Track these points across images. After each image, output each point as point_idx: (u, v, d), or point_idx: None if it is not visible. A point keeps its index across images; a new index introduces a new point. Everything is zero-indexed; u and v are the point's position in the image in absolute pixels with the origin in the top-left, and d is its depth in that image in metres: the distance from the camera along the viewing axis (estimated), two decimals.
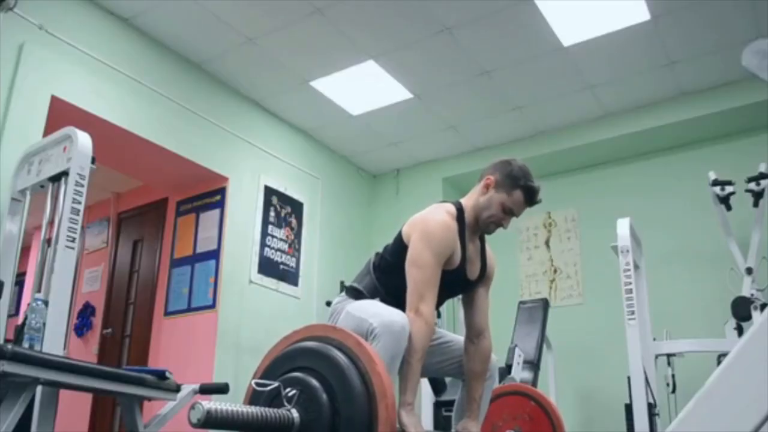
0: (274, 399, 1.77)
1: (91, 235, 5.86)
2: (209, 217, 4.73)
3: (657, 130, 4.97)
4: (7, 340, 2.74)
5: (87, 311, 5.61)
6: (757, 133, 4.67)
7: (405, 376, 2.04)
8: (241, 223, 4.75)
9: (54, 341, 2.52)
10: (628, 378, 3.57)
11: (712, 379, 1.04)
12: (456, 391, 2.47)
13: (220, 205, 4.70)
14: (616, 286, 3.77)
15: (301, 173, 5.40)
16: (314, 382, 1.75)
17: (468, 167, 5.53)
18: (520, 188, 2.25)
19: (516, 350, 4.07)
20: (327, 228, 5.52)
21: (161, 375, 2.61)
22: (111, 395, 3.93)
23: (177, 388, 2.71)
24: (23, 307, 2.60)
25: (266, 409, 1.70)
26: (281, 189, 5.14)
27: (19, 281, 4.51)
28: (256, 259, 4.79)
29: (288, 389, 1.75)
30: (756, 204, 4.21)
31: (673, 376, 4.05)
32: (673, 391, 4.00)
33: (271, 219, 5.01)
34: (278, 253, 5.00)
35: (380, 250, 2.39)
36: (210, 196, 4.77)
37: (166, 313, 4.76)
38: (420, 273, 2.13)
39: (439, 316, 4.66)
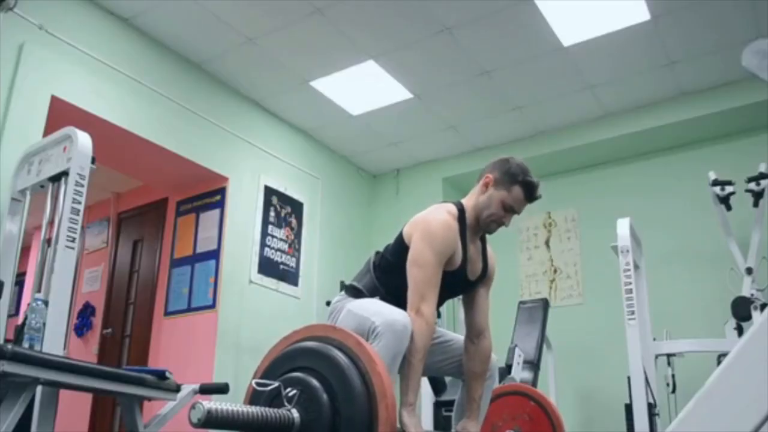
0: (274, 399, 1.77)
1: (91, 235, 5.86)
2: (209, 217, 4.73)
3: (657, 130, 4.97)
4: (7, 340, 2.74)
5: (87, 311, 5.61)
6: (757, 133, 4.67)
7: (406, 376, 2.04)
8: (241, 223, 4.75)
9: (54, 341, 2.52)
10: (628, 378, 3.57)
11: (712, 379, 1.04)
12: (456, 391, 2.47)
13: (220, 205, 4.70)
14: (616, 286, 3.77)
15: (301, 173, 5.40)
16: (314, 382, 1.75)
17: (468, 167, 5.52)
18: (519, 184, 2.24)
19: (516, 350, 4.07)
20: (327, 228, 5.52)
21: (161, 375, 2.61)
22: (111, 395, 3.93)
23: (177, 388, 2.71)
24: (23, 307, 2.60)
25: (266, 409, 1.70)
26: (281, 189, 5.14)
27: (19, 281, 4.51)
28: (256, 259, 4.79)
29: (288, 389, 1.75)
30: (756, 204, 4.21)
31: (673, 376, 4.05)
32: (673, 391, 4.00)
33: (271, 219, 5.01)
34: (278, 253, 5.00)
35: (380, 249, 2.39)
36: (210, 196, 4.77)
37: (166, 313, 4.76)
38: (421, 273, 2.13)
39: (439, 316, 4.66)
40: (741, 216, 4.27)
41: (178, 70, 4.47)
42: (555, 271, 5.43)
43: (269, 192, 5.03)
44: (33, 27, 3.59)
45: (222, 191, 4.72)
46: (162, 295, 4.87)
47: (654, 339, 4.12)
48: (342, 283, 5.15)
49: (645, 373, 3.55)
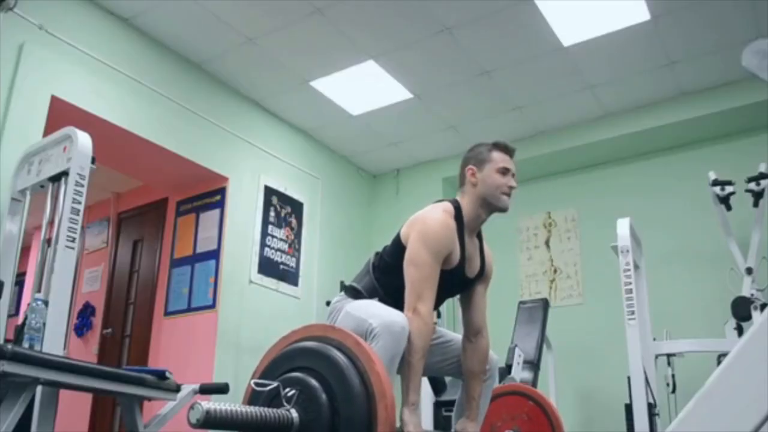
0: (273, 399, 1.77)
1: (91, 235, 5.86)
2: (209, 217, 4.73)
3: (657, 130, 4.97)
4: (7, 340, 2.74)
5: (87, 311, 5.61)
6: (757, 133, 4.67)
7: (407, 376, 2.04)
8: (241, 223, 4.75)
9: (54, 341, 2.52)
10: (628, 378, 3.57)
11: (712, 379, 1.04)
12: (456, 391, 2.47)
13: (220, 205, 4.70)
14: (616, 286, 3.77)
15: (301, 173, 5.40)
16: (313, 382, 1.75)
17: None
18: (492, 149, 2.35)
19: (516, 350, 4.07)
20: (327, 228, 5.52)
21: (161, 375, 2.60)
22: (111, 395, 3.93)
23: (177, 388, 2.71)
24: (23, 307, 2.60)
25: (265, 409, 1.70)
26: (281, 189, 5.14)
27: (19, 281, 4.51)
28: (256, 259, 4.79)
29: (287, 389, 1.75)
30: (756, 204, 4.21)
31: (673, 376, 4.05)
32: (673, 391, 4.00)
33: (271, 219, 5.01)
34: (278, 253, 5.00)
35: (380, 250, 2.39)
36: (210, 196, 4.77)
37: (166, 313, 4.76)
38: (418, 272, 2.13)
39: (439, 316, 4.67)
40: (741, 216, 4.27)
41: (178, 70, 4.47)
42: (555, 271, 5.43)
43: (269, 192, 5.03)
44: (33, 27, 3.59)
45: (222, 191, 4.72)
46: (162, 295, 4.87)
47: (654, 339, 4.11)
48: (342, 283, 5.16)
49: (645, 373, 3.55)
